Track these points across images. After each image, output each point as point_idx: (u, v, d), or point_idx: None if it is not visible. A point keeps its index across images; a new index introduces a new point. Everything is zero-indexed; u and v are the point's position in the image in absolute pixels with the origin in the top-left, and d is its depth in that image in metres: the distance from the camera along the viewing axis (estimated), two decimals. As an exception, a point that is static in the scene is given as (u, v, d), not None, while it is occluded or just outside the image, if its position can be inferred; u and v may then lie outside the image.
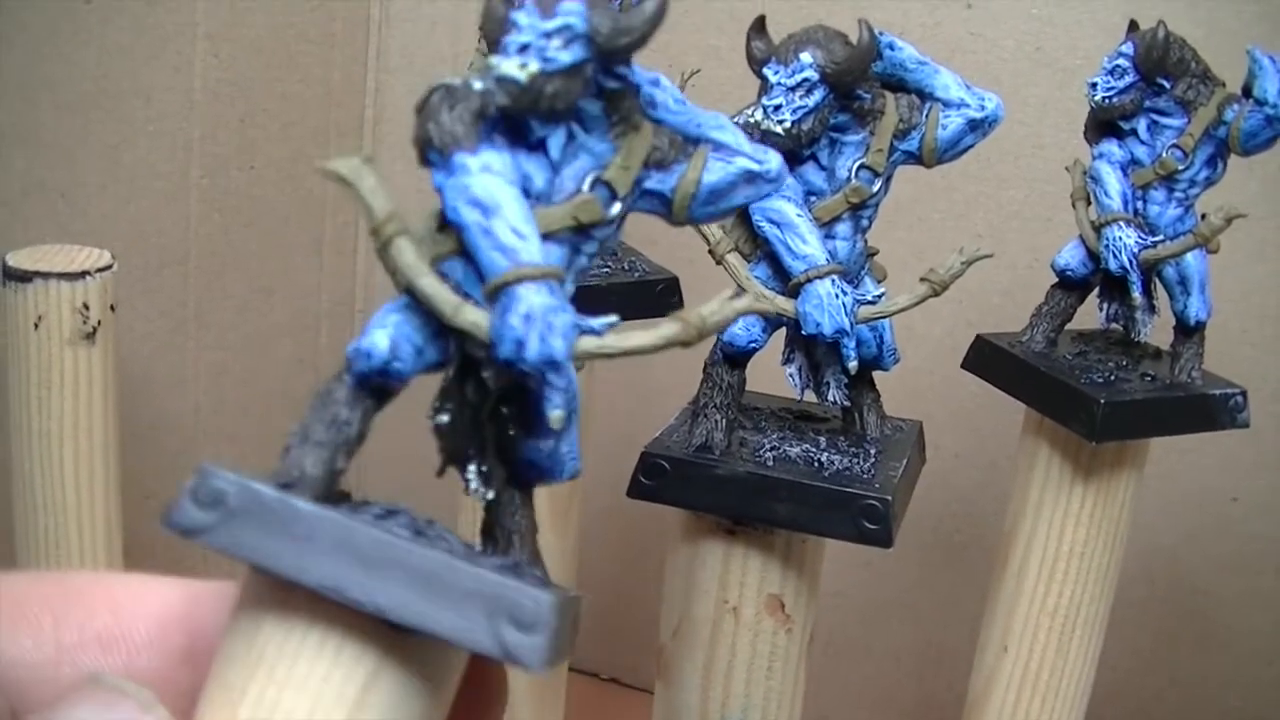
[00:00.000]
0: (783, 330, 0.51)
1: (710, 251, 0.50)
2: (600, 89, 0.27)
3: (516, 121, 0.26)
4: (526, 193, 0.26)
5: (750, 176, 0.28)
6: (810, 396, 0.52)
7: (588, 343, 0.25)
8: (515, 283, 0.25)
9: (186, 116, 0.81)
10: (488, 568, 0.24)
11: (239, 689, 0.24)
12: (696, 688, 0.52)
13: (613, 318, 0.26)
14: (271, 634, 0.24)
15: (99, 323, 0.62)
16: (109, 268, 0.62)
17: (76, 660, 0.26)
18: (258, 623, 0.24)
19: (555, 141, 0.27)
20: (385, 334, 0.26)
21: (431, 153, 0.26)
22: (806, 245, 0.48)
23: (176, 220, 0.82)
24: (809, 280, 0.48)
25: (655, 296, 0.62)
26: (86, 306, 0.61)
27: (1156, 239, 0.60)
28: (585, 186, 0.27)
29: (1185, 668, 0.85)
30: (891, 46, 0.50)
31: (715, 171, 0.28)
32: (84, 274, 0.61)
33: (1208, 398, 0.60)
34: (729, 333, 0.50)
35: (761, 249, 0.50)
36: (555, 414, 0.25)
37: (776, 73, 0.47)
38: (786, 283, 0.49)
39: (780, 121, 0.47)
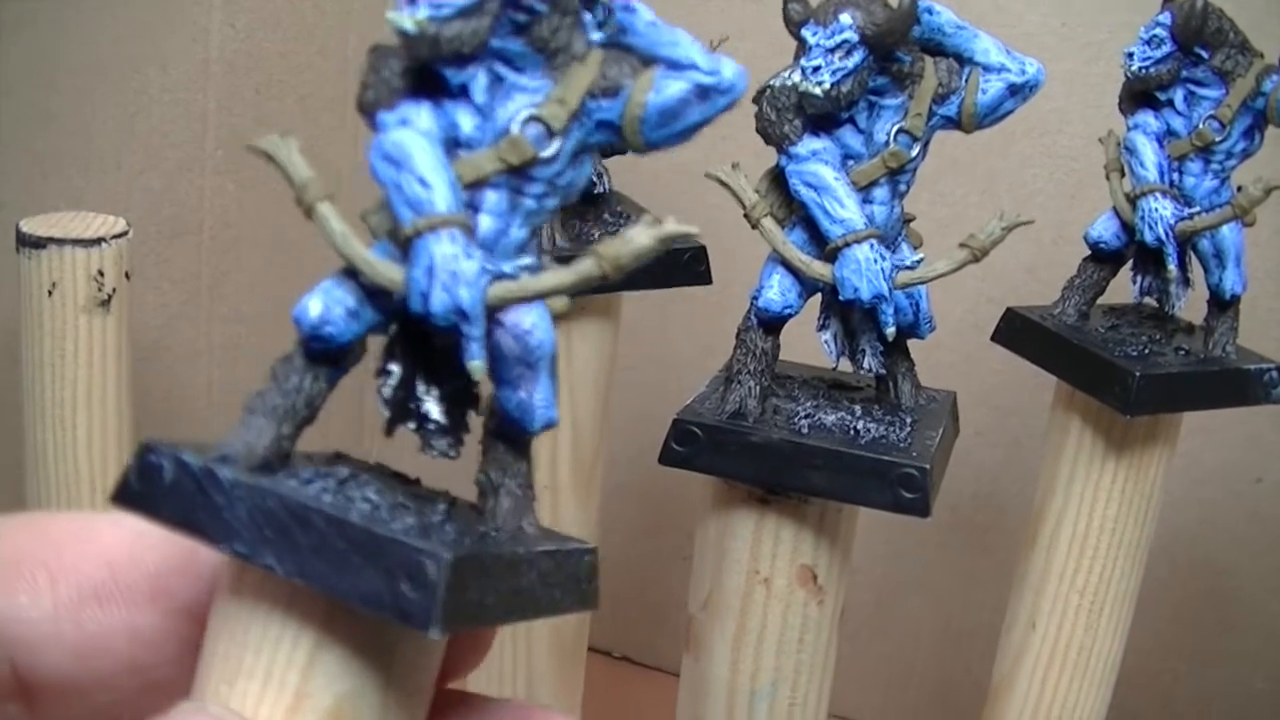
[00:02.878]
0: (817, 296, 0.50)
1: (745, 216, 0.49)
2: (515, 25, 0.25)
3: (434, 72, 0.26)
4: (458, 141, 0.26)
5: (702, 91, 0.25)
6: (845, 365, 0.51)
7: (500, 288, 0.25)
8: (416, 235, 0.24)
9: (202, 87, 0.80)
10: (392, 529, 0.23)
11: (205, 674, 0.24)
12: (726, 659, 0.52)
13: (527, 259, 0.26)
14: (235, 616, 0.24)
15: (114, 290, 0.61)
16: (124, 234, 0.61)
17: (75, 617, 0.26)
18: (228, 603, 0.24)
19: (477, 85, 0.26)
20: (317, 299, 0.25)
21: (365, 117, 0.26)
22: (844, 209, 0.47)
23: (191, 191, 0.81)
24: (846, 245, 0.47)
25: (682, 265, 0.61)
26: (101, 274, 0.60)
27: (1192, 211, 0.59)
28: (515, 127, 0.25)
29: (1206, 649, 0.85)
30: (930, 11, 0.49)
31: (665, 90, 0.25)
32: (99, 240, 0.60)
33: (1242, 372, 0.59)
34: (764, 298, 0.49)
35: (797, 213, 0.49)
36: (474, 364, 0.25)
37: (815, 34, 0.46)
38: (823, 247, 0.48)
39: (819, 83, 0.46)
